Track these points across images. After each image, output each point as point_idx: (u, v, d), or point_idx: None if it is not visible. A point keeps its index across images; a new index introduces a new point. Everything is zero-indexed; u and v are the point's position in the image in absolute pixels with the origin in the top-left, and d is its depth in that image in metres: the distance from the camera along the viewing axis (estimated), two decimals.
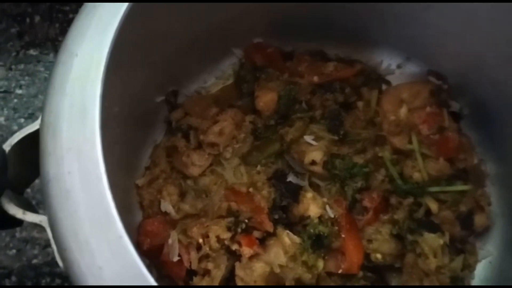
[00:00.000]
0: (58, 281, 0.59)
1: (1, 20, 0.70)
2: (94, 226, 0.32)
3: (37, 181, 0.51)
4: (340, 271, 0.53)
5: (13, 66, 0.68)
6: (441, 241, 0.53)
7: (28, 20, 0.71)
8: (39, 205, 0.58)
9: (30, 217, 0.37)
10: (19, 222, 0.39)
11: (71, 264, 0.33)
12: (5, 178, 0.37)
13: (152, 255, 0.52)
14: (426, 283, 0.53)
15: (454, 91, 0.61)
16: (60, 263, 0.34)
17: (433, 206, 0.55)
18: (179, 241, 0.52)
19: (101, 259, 0.32)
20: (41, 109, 0.36)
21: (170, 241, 0.52)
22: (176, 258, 0.51)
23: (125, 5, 0.38)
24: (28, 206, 0.39)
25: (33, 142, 0.37)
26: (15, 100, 0.67)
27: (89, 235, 0.32)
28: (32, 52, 0.69)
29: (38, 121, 0.37)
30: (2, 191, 0.37)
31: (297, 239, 0.53)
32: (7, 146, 0.37)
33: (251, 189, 0.56)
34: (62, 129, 0.35)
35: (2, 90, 0.68)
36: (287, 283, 0.52)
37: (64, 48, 0.38)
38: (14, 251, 0.60)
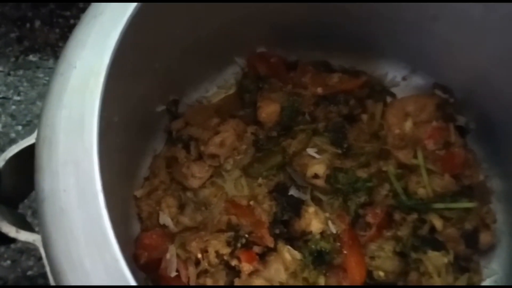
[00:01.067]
0: None
1: (0, 24, 0.69)
2: (90, 248, 0.31)
3: None
4: None
5: (11, 72, 0.67)
6: (446, 260, 0.52)
7: (28, 24, 0.70)
8: (35, 215, 0.57)
9: (23, 235, 0.36)
10: (12, 240, 0.37)
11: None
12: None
13: (149, 269, 0.51)
14: None
15: (461, 105, 0.60)
16: (53, 284, 0.33)
17: (438, 223, 0.54)
18: (178, 256, 0.51)
19: (96, 281, 0.31)
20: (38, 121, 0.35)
21: (168, 255, 0.50)
22: (174, 273, 0.50)
23: (126, 15, 0.37)
24: (22, 223, 0.38)
25: (29, 156, 0.36)
26: (13, 107, 0.66)
27: (84, 256, 0.31)
28: (31, 57, 0.68)
29: (34, 134, 0.36)
30: None
31: (298, 255, 0.52)
32: (0, 161, 0.36)
33: (251, 202, 0.55)
34: (58, 144, 0.33)
35: (0, 96, 0.67)
36: None
37: (63, 59, 0.37)
38: (9, 262, 0.59)
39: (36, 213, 0.58)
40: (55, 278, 0.32)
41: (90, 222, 0.32)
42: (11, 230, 0.36)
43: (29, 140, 0.37)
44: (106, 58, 0.36)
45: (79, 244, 0.31)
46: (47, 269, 0.33)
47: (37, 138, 0.35)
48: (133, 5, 0.37)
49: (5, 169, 0.37)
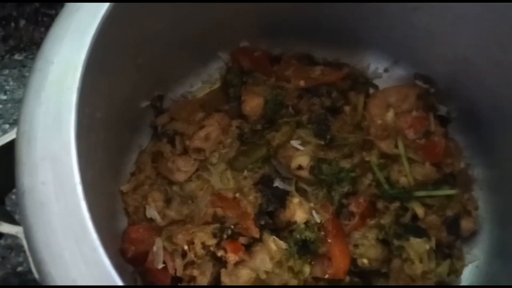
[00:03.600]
0: None
1: None
2: (68, 238, 0.32)
3: None
4: (326, 277, 0.53)
5: None
6: (427, 246, 0.53)
7: (13, 24, 0.70)
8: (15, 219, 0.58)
9: (6, 228, 0.36)
10: None
11: (45, 277, 0.32)
12: None
13: (136, 262, 0.52)
14: None
15: (443, 94, 0.61)
16: (36, 275, 0.33)
17: (420, 210, 0.55)
18: (164, 248, 0.51)
19: (75, 271, 0.31)
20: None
21: (154, 248, 0.51)
22: (161, 266, 0.51)
23: (103, 9, 0.38)
24: (6, 216, 0.39)
25: (9, 152, 0.36)
26: (0, 106, 0.66)
27: (63, 247, 0.32)
28: (17, 56, 0.69)
29: (15, 130, 0.37)
30: None
31: (283, 244, 0.53)
32: None
33: (237, 195, 0.55)
34: (36, 138, 0.34)
35: None
36: None
37: (41, 55, 0.37)
38: None
39: None
40: (37, 268, 0.33)
41: (69, 213, 0.32)
42: None
43: (10, 136, 0.38)
44: (83, 54, 0.36)
45: (58, 236, 0.32)
46: (30, 259, 0.34)
47: (17, 134, 0.36)
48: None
49: None
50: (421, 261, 0.52)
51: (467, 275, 0.57)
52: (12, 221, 0.39)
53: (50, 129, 0.34)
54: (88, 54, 0.36)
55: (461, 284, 0.56)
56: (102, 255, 0.31)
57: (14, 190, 0.48)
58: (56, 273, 0.32)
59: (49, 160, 0.33)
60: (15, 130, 0.37)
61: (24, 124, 0.35)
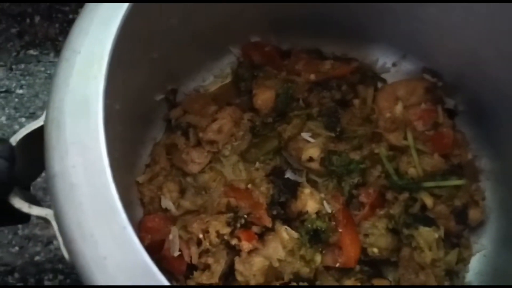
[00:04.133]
0: (60, 278, 0.60)
1: (1, 20, 0.71)
2: (99, 218, 0.33)
3: (39, 179, 0.52)
4: (337, 265, 0.54)
5: (13, 66, 0.69)
6: (436, 235, 0.54)
7: (28, 20, 0.71)
8: (40, 203, 0.59)
9: (35, 210, 0.38)
10: (25, 218, 0.39)
11: (76, 255, 0.34)
12: (14, 173, 0.38)
13: (152, 250, 0.52)
14: (421, 277, 0.54)
15: (450, 88, 0.62)
16: (66, 255, 0.35)
17: (428, 201, 0.56)
18: (180, 237, 0.53)
19: (105, 249, 0.33)
20: (45, 106, 0.37)
21: (170, 236, 0.52)
22: (176, 253, 0.52)
23: (126, 3, 0.39)
24: (34, 201, 0.40)
25: (36, 139, 0.38)
26: (16, 100, 0.68)
27: (94, 226, 0.33)
28: (32, 52, 0.70)
29: (42, 117, 0.38)
30: (13, 185, 0.38)
31: (295, 234, 0.54)
32: (13, 142, 0.38)
33: (249, 186, 0.56)
34: (65, 124, 0.36)
35: (3, 90, 0.68)
36: (286, 277, 0.53)
37: (67, 45, 0.39)
38: (16, 248, 0.61)
39: (42, 200, 0.60)
40: (67, 248, 0.34)
41: (98, 195, 0.34)
42: (23, 206, 0.38)
43: (37, 123, 0.39)
44: (108, 44, 0.38)
45: (89, 216, 0.34)
46: (60, 240, 0.35)
47: (46, 120, 0.37)
48: None
49: (16, 150, 0.39)
50: (430, 249, 0.53)
51: (474, 263, 0.58)
52: (39, 204, 0.40)
53: (78, 116, 0.36)
54: (113, 44, 0.38)
55: (469, 272, 0.57)
56: (131, 233, 0.33)
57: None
58: (87, 251, 0.33)
59: (78, 145, 0.35)
60: (41, 118, 0.38)
61: (53, 110, 0.37)
